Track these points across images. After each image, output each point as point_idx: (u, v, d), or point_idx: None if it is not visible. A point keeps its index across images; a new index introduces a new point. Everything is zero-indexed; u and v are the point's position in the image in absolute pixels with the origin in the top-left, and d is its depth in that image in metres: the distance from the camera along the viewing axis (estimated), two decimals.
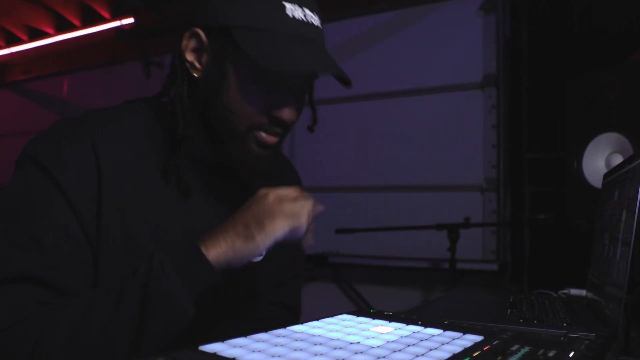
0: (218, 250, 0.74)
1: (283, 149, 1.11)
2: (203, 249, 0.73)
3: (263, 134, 0.85)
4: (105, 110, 0.89)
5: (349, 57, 3.26)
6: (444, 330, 0.67)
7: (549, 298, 1.22)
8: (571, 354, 0.58)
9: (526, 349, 0.59)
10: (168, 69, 0.89)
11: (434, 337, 0.64)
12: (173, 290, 0.70)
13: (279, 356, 0.54)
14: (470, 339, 0.63)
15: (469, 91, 2.97)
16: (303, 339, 0.61)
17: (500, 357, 0.55)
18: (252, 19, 0.80)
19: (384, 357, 0.55)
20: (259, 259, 0.93)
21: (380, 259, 3.07)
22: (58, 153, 0.79)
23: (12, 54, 4.94)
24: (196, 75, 0.84)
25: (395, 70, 3.18)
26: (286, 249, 1.04)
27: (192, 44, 0.84)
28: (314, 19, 0.84)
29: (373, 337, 0.63)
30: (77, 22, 4.52)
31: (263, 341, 0.59)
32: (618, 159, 1.74)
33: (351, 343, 0.60)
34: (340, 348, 0.57)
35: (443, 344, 0.60)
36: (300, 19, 0.82)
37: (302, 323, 0.69)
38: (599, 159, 1.83)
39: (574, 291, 1.33)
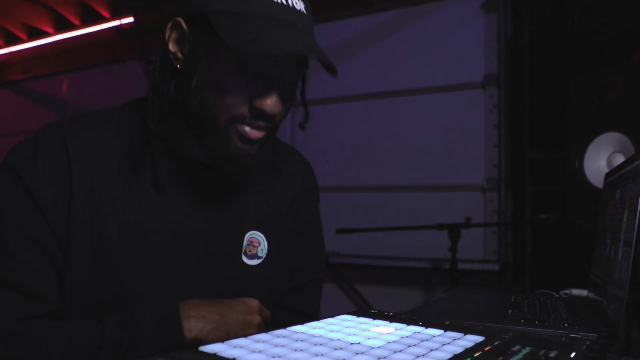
0: (197, 335, 0.77)
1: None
2: (185, 331, 0.76)
3: (247, 128, 0.80)
4: (88, 114, 0.89)
5: (349, 56, 3.26)
6: (445, 331, 0.67)
7: (551, 298, 1.22)
8: (572, 355, 0.58)
9: (527, 349, 0.59)
10: None
11: (434, 338, 0.63)
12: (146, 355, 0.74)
13: (280, 356, 0.53)
14: (471, 340, 0.63)
15: (470, 91, 2.97)
16: (303, 339, 0.61)
17: (501, 358, 0.55)
18: (229, 2, 0.77)
19: (384, 357, 0.55)
20: (257, 262, 0.92)
21: (381, 259, 3.06)
22: (32, 157, 0.81)
23: (11, 53, 4.94)
24: (179, 66, 0.82)
25: (396, 70, 3.17)
26: (306, 253, 1.03)
27: (175, 34, 0.82)
28: (298, 4, 0.81)
29: (374, 338, 0.62)
30: (76, 22, 4.52)
31: (263, 341, 0.59)
32: (620, 159, 1.74)
33: (352, 343, 0.59)
34: (341, 348, 0.57)
35: (444, 345, 0.60)
36: (281, 2, 0.78)
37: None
38: (600, 159, 1.82)
39: (575, 291, 1.32)
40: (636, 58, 2.05)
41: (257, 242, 0.94)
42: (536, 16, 2.85)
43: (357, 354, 0.55)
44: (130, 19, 4.07)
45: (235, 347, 0.56)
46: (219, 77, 0.78)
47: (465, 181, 2.95)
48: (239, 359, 0.52)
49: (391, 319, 0.74)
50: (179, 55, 0.82)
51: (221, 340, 0.73)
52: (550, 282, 1.44)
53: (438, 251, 2.74)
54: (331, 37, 3.27)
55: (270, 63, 0.78)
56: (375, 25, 3.28)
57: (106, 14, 4.37)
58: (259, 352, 0.55)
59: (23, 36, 4.88)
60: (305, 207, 1.04)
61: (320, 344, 0.58)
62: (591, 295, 1.14)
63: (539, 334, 0.66)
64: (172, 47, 0.82)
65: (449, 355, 0.56)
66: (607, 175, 1.20)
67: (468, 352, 0.57)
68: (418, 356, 0.55)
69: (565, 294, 1.33)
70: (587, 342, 0.63)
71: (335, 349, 0.57)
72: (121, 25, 4.15)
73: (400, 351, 0.57)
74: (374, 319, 0.74)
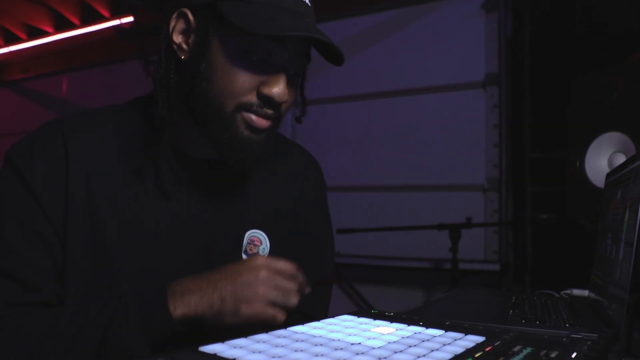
0: (185, 310, 0.73)
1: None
2: (171, 307, 0.72)
3: (253, 116, 0.80)
4: (89, 111, 0.89)
5: (350, 56, 3.25)
6: (446, 331, 0.67)
7: (552, 298, 1.21)
8: (574, 355, 0.57)
9: (528, 349, 0.59)
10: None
11: (435, 338, 0.63)
12: (130, 342, 0.71)
13: (280, 357, 0.53)
14: (472, 340, 0.63)
15: (470, 90, 2.97)
16: (304, 339, 0.60)
17: (502, 358, 0.55)
18: None
19: (385, 357, 0.54)
20: None
21: (382, 259, 3.06)
22: (30, 151, 0.81)
23: (10, 52, 4.94)
24: (183, 57, 0.82)
25: (396, 69, 3.17)
26: (309, 254, 1.02)
27: (180, 25, 0.82)
28: None
29: (374, 338, 0.62)
30: (76, 21, 4.52)
31: (264, 342, 0.59)
32: (621, 159, 1.73)
33: (352, 344, 0.59)
34: (341, 349, 0.57)
35: (445, 345, 0.60)
36: None
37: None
38: (601, 159, 1.82)
39: (576, 291, 1.32)
40: (637, 58, 2.05)
41: (258, 241, 0.94)
42: (536, 16, 2.85)
43: (357, 354, 0.55)
44: (130, 19, 4.07)
45: (235, 347, 0.56)
46: (226, 64, 0.79)
47: (466, 181, 2.95)
48: (239, 359, 0.52)
49: (392, 319, 0.73)
50: (184, 46, 0.82)
51: (217, 315, 0.71)
52: (551, 282, 1.44)
53: (439, 251, 2.74)
54: (332, 37, 3.25)
55: (277, 50, 0.79)
56: (376, 25, 3.28)
57: (106, 14, 4.38)
58: (259, 352, 0.54)
59: (23, 36, 4.88)
60: (309, 206, 1.03)
61: (321, 344, 0.58)
62: (592, 295, 1.14)
63: (539, 334, 0.66)
64: (176, 38, 0.82)
65: (450, 356, 0.56)
66: (609, 175, 1.20)
67: (469, 352, 0.57)
68: (419, 356, 0.55)
69: (566, 294, 1.33)
70: (588, 343, 0.63)
71: (336, 349, 0.57)
72: (121, 24, 4.15)
73: (400, 351, 0.57)
74: (375, 319, 0.73)
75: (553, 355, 0.57)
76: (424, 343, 0.61)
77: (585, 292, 1.24)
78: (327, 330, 0.65)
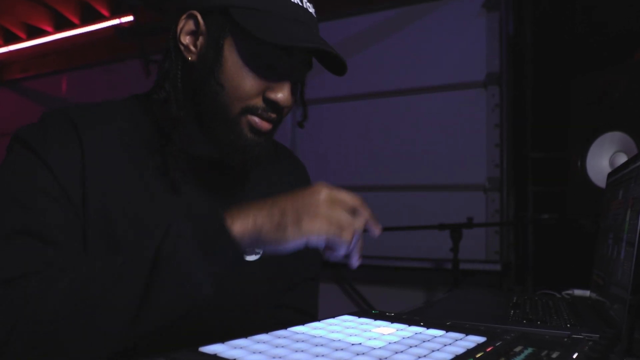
0: (244, 226, 0.69)
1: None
2: (228, 221, 0.69)
3: (257, 119, 0.83)
4: (92, 104, 0.90)
5: (350, 56, 3.25)
6: (447, 331, 0.67)
7: (553, 299, 1.21)
8: (575, 356, 0.57)
9: (529, 350, 0.58)
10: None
11: (436, 338, 0.63)
12: (187, 257, 0.67)
13: (280, 357, 0.53)
14: (473, 340, 0.63)
15: (471, 90, 2.96)
16: (304, 340, 0.60)
17: (503, 359, 0.55)
18: (252, 0, 0.81)
19: (385, 358, 0.54)
20: (255, 257, 0.91)
21: (382, 259, 3.06)
22: (44, 136, 0.80)
23: (10, 52, 4.94)
24: (190, 59, 0.83)
25: (397, 69, 3.17)
26: (297, 252, 1.03)
27: (189, 26, 0.83)
28: (310, 7, 0.86)
29: (375, 338, 0.62)
30: (76, 20, 4.51)
31: (264, 342, 0.58)
32: (622, 158, 1.73)
33: (353, 344, 0.59)
34: (342, 349, 0.57)
35: (445, 345, 0.60)
36: (298, 3, 0.84)
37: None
38: (603, 158, 1.82)
39: (577, 292, 1.32)
40: (638, 57, 2.05)
41: None
42: (537, 16, 2.84)
43: (358, 354, 0.55)
44: (130, 18, 4.06)
45: (235, 347, 0.56)
46: (236, 68, 0.81)
47: (467, 181, 2.94)
48: None
49: (392, 319, 0.73)
50: (192, 47, 0.84)
51: (277, 227, 0.69)
52: (553, 283, 1.43)
53: (440, 251, 2.74)
54: (332, 36, 3.25)
55: (285, 58, 0.82)
56: (377, 24, 3.27)
57: (106, 13, 4.37)
58: (259, 352, 0.54)
59: (22, 35, 4.87)
60: None
61: (321, 345, 0.58)
62: (594, 295, 1.14)
63: (541, 335, 0.66)
64: (184, 39, 0.84)
65: (451, 356, 0.55)
66: (610, 175, 1.19)
67: (470, 352, 0.57)
68: (419, 357, 0.55)
69: (568, 294, 1.33)
70: (590, 343, 0.63)
71: (336, 350, 0.56)
72: (121, 24, 4.15)
73: (401, 352, 0.57)
74: (375, 319, 0.73)
75: (554, 355, 0.57)
76: (424, 343, 0.61)
77: (587, 293, 1.24)
78: (328, 331, 0.65)
